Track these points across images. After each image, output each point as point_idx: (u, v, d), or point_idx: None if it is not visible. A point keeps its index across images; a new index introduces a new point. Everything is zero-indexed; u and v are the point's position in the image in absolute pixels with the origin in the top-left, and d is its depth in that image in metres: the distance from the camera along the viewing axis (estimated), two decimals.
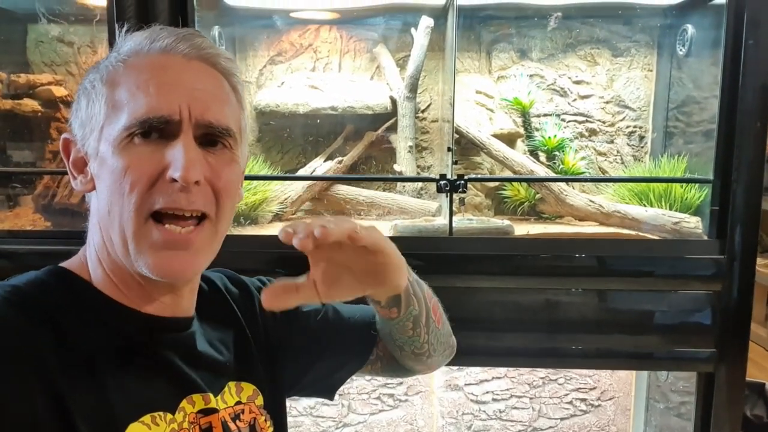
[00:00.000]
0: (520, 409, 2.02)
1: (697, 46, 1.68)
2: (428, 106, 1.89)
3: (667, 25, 1.82)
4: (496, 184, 1.84)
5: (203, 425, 0.81)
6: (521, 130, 1.84)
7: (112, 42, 1.40)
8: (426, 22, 1.73)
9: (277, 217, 1.70)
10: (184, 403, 0.79)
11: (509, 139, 1.81)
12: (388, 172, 1.87)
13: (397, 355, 1.03)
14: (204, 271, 0.88)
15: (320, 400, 1.97)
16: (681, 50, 1.74)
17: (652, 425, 1.95)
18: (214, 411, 0.83)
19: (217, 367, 0.87)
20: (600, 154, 1.89)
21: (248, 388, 0.91)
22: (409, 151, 1.80)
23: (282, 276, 0.78)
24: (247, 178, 1.57)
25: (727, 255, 1.44)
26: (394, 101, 1.81)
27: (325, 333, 1.03)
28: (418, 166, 1.85)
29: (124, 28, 0.80)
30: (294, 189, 1.73)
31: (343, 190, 1.78)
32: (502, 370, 2.01)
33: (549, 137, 1.79)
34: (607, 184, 1.82)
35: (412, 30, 1.78)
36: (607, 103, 1.87)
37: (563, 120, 1.86)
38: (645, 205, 1.67)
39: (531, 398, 2.02)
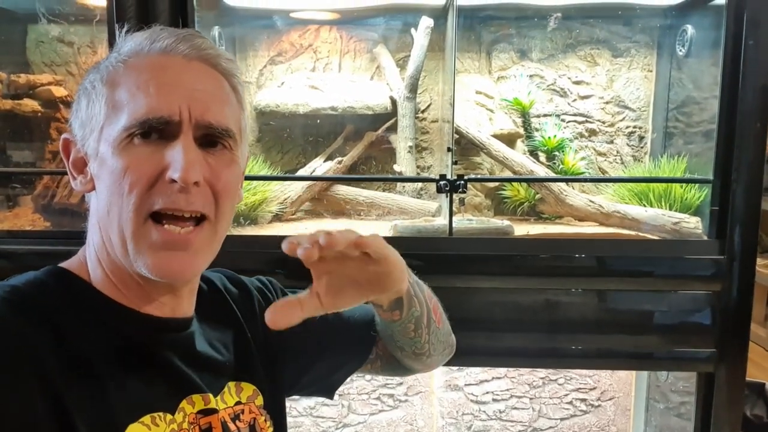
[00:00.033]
0: (520, 409, 2.02)
1: (697, 47, 1.68)
2: (428, 106, 1.89)
3: (666, 25, 1.82)
4: (496, 184, 1.84)
5: (203, 426, 0.81)
6: (521, 131, 1.84)
7: (112, 42, 1.40)
8: (426, 22, 1.73)
9: (277, 218, 1.70)
10: (183, 404, 0.79)
11: (509, 140, 1.81)
12: (388, 172, 1.87)
13: (398, 355, 1.03)
14: (203, 271, 0.88)
15: (320, 400, 1.98)
16: (681, 51, 1.74)
17: (652, 425, 1.95)
18: (214, 411, 0.83)
19: (217, 368, 0.87)
20: (600, 154, 1.89)
21: (248, 389, 0.91)
22: (409, 152, 1.80)
23: (282, 276, 0.78)
24: (247, 178, 1.57)
25: (727, 255, 1.44)
26: (394, 101, 1.81)
27: (324, 333, 1.03)
28: (417, 167, 1.85)
29: (125, 29, 0.80)
30: (294, 189, 1.73)
31: (343, 190, 1.78)
32: (502, 371, 2.01)
33: (549, 137, 1.79)
34: (607, 184, 1.82)
35: (412, 30, 1.78)
36: (606, 103, 1.87)
37: (563, 120, 1.86)
38: (645, 206, 1.67)
39: (531, 398, 2.02)
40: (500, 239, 1.54)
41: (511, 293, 1.49)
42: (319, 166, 1.79)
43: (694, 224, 1.56)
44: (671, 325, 1.48)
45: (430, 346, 1.01)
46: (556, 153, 1.79)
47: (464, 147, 1.80)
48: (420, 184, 1.81)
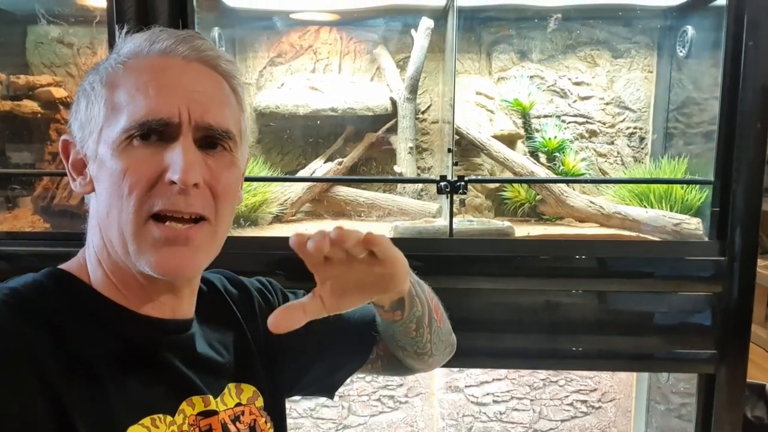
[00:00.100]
0: (520, 410, 2.02)
1: (698, 48, 1.68)
2: (428, 107, 1.89)
3: (667, 26, 1.82)
4: (497, 185, 1.84)
5: (203, 427, 0.81)
6: (521, 132, 1.84)
7: (111, 43, 1.40)
8: (426, 23, 1.73)
9: (277, 219, 1.70)
10: (183, 405, 0.79)
11: (509, 141, 1.81)
12: (389, 173, 1.87)
13: (399, 355, 1.03)
14: (203, 272, 0.88)
15: (320, 401, 1.97)
16: (681, 51, 1.74)
17: (653, 426, 1.95)
18: (214, 413, 0.83)
19: (217, 369, 0.87)
20: (600, 155, 1.89)
21: (248, 390, 0.91)
22: (410, 153, 1.80)
23: (282, 277, 0.78)
24: (247, 179, 1.57)
25: (728, 256, 1.44)
26: (394, 102, 1.81)
27: (325, 333, 1.03)
28: (418, 168, 1.85)
29: (124, 30, 0.80)
30: (294, 190, 1.73)
31: (344, 191, 1.78)
32: (502, 372, 2.01)
33: (549, 138, 1.79)
34: (608, 185, 1.82)
35: (413, 31, 1.78)
36: (607, 104, 1.87)
37: (563, 121, 1.86)
38: (645, 207, 1.67)
39: (531, 400, 2.02)
40: (501, 240, 1.54)
41: (512, 294, 1.49)
42: (319, 167, 1.79)
43: (694, 225, 1.55)
44: (672, 327, 1.48)
45: (432, 345, 1.00)
46: (557, 154, 1.79)
47: (465, 148, 1.80)
48: (420, 185, 1.81)
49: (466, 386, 2.02)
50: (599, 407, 2.03)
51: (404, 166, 1.80)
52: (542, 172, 1.74)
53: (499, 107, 1.85)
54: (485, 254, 1.48)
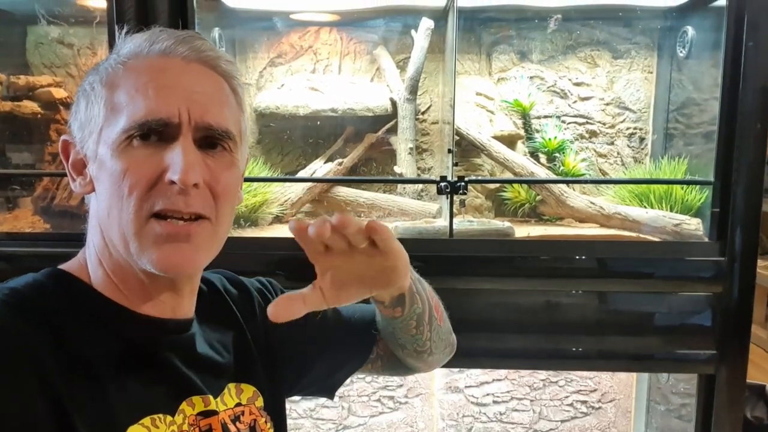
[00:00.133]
0: (520, 411, 2.02)
1: (698, 48, 1.68)
2: (428, 107, 1.89)
3: (667, 27, 1.82)
4: (497, 185, 1.84)
5: (203, 427, 0.81)
6: (521, 132, 1.84)
7: (111, 44, 1.40)
8: (426, 24, 1.73)
9: (277, 219, 1.70)
10: (183, 405, 0.79)
11: (509, 141, 1.81)
12: (389, 173, 1.87)
13: (399, 353, 1.03)
14: (203, 272, 0.88)
15: (320, 402, 1.97)
16: (681, 52, 1.74)
17: (653, 427, 1.95)
18: (214, 413, 0.83)
19: (217, 369, 0.87)
20: (600, 155, 1.89)
21: (248, 390, 0.91)
22: (410, 153, 1.80)
23: (282, 278, 0.78)
24: (247, 179, 1.57)
25: (728, 257, 1.44)
26: (394, 103, 1.81)
27: (324, 333, 1.03)
28: (418, 168, 1.85)
29: (124, 30, 0.80)
30: (294, 191, 1.73)
31: (344, 191, 1.78)
32: (502, 372, 2.01)
33: (549, 139, 1.79)
34: (608, 185, 1.82)
35: (413, 32, 1.78)
36: (607, 104, 1.87)
37: (563, 122, 1.86)
38: (645, 207, 1.67)
39: (531, 400, 2.02)
40: (501, 241, 1.54)
41: (512, 295, 1.49)
42: (319, 168, 1.79)
43: (694, 226, 1.55)
44: (672, 327, 1.48)
45: (432, 343, 1.00)
46: (557, 154, 1.79)
47: (465, 148, 1.80)
48: (420, 186, 1.81)
49: (466, 387, 2.02)
50: (599, 408, 2.03)
51: (404, 166, 1.80)
52: (542, 173, 1.74)
53: (499, 108, 1.85)
54: (485, 255, 1.48)
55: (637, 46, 1.85)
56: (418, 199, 1.80)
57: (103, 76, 0.76)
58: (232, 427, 0.85)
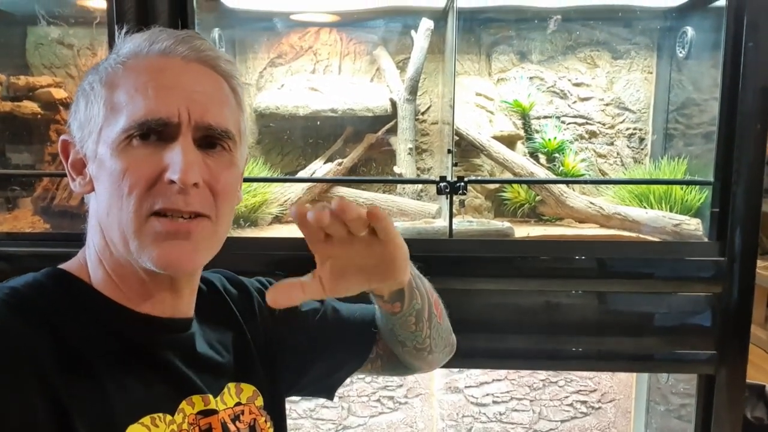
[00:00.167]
0: (520, 411, 2.02)
1: (697, 49, 1.68)
2: (428, 108, 1.89)
3: (666, 27, 1.82)
4: (496, 186, 1.84)
5: (203, 426, 0.81)
6: (521, 132, 1.84)
7: (111, 44, 1.40)
8: (426, 24, 1.73)
9: (277, 220, 1.70)
10: (183, 405, 0.79)
11: (509, 141, 1.81)
12: (388, 174, 1.87)
13: (399, 351, 1.03)
14: (203, 272, 0.88)
15: (320, 402, 1.97)
16: (681, 52, 1.74)
17: (653, 427, 1.95)
18: (214, 412, 0.83)
19: (217, 369, 0.87)
20: (600, 156, 1.89)
21: (248, 389, 0.91)
22: (409, 153, 1.80)
23: (282, 278, 0.78)
24: (247, 180, 1.57)
25: (728, 257, 1.44)
26: (394, 103, 1.81)
27: (324, 332, 1.03)
28: (418, 168, 1.85)
29: (124, 30, 0.80)
30: (294, 191, 1.73)
31: (343, 192, 1.78)
32: (502, 373, 2.01)
33: (549, 139, 1.79)
34: (608, 186, 1.82)
35: (412, 32, 1.78)
36: (607, 105, 1.87)
37: (563, 122, 1.86)
38: (645, 207, 1.67)
39: (531, 400, 2.02)
40: (500, 241, 1.54)
41: (512, 295, 1.49)
42: (319, 168, 1.79)
43: (694, 226, 1.55)
44: (671, 327, 1.48)
45: (431, 341, 1.00)
46: (557, 155, 1.79)
47: (464, 149, 1.80)
48: (420, 186, 1.81)
49: (465, 387, 2.02)
50: (599, 408, 2.03)
51: (404, 166, 1.80)
52: (542, 173, 1.74)
53: (498, 108, 1.85)
54: (485, 255, 1.48)
55: (637, 46, 1.85)
56: (417, 199, 1.80)
57: (103, 76, 0.76)
58: (231, 426, 0.85)
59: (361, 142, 1.84)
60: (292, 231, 1.64)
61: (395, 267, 0.80)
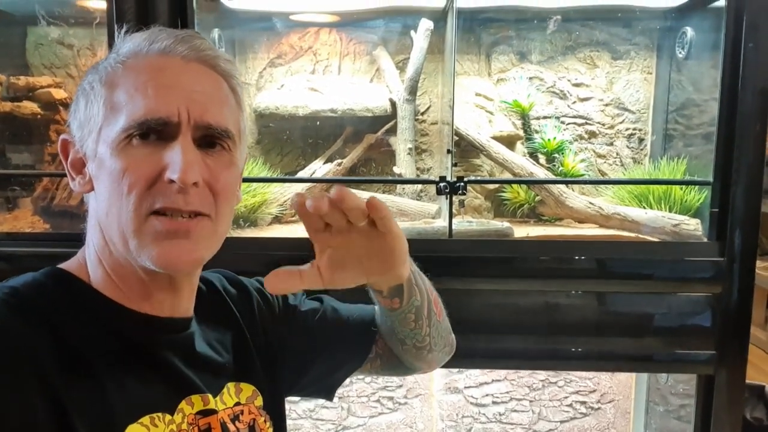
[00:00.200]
0: (519, 411, 2.02)
1: (697, 49, 1.68)
2: (428, 108, 1.89)
3: (666, 27, 1.82)
4: (496, 186, 1.84)
5: (202, 426, 0.81)
6: (521, 133, 1.84)
7: (111, 44, 1.40)
8: (425, 24, 1.73)
9: (277, 220, 1.70)
10: (182, 404, 0.79)
11: (509, 142, 1.81)
12: (388, 174, 1.87)
13: (398, 350, 1.03)
14: (202, 272, 0.88)
15: (320, 402, 1.97)
16: (680, 53, 1.74)
17: (652, 428, 1.95)
18: (213, 412, 0.83)
19: (216, 368, 0.87)
20: (599, 156, 1.89)
21: (247, 389, 0.91)
22: (409, 153, 1.80)
23: None
24: (247, 180, 1.57)
25: (727, 257, 1.44)
26: (393, 103, 1.81)
27: (323, 332, 1.03)
28: (417, 169, 1.85)
29: (123, 29, 0.80)
30: (293, 191, 1.73)
31: None
32: (501, 373, 2.01)
33: (548, 139, 1.79)
34: (607, 186, 1.82)
35: (412, 32, 1.78)
36: (606, 105, 1.87)
37: (563, 122, 1.86)
38: (645, 208, 1.67)
39: (531, 401, 2.02)
40: (500, 241, 1.54)
41: (511, 295, 1.49)
42: (318, 168, 1.79)
43: (693, 226, 1.56)
44: (671, 328, 1.48)
45: (431, 339, 1.00)
46: (556, 155, 1.79)
47: (464, 149, 1.80)
48: (420, 186, 1.81)
49: (465, 387, 2.02)
50: (598, 408, 2.03)
51: (403, 167, 1.80)
52: (541, 173, 1.74)
53: (498, 108, 1.86)
54: (484, 255, 1.48)
55: (637, 46, 1.85)
56: (417, 199, 1.80)
57: (103, 75, 0.76)
58: (231, 426, 0.85)
59: (361, 143, 1.84)
60: (291, 231, 1.64)
61: (394, 260, 0.81)
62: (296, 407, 2.00)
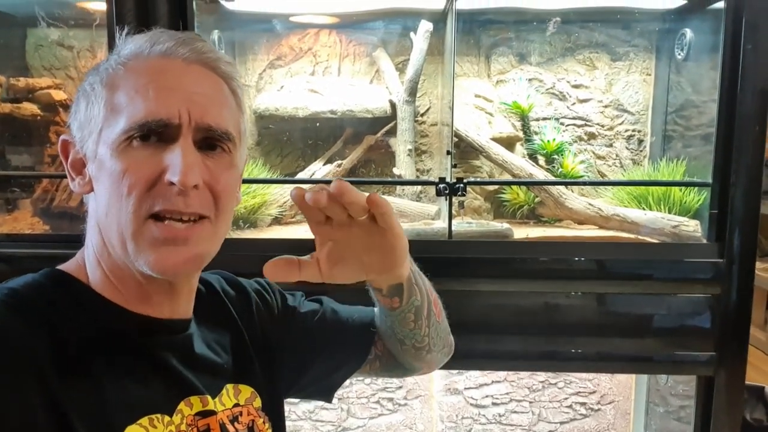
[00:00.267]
0: (519, 413, 2.02)
1: (696, 51, 1.68)
2: (427, 109, 1.89)
3: (665, 29, 1.83)
4: (495, 187, 1.85)
5: (201, 427, 0.81)
6: (520, 134, 1.84)
7: (111, 46, 1.40)
8: (425, 26, 1.74)
9: (276, 221, 1.70)
10: (181, 406, 0.79)
11: (508, 143, 1.81)
12: (388, 175, 1.87)
13: (397, 350, 1.03)
14: (202, 273, 0.88)
15: (319, 403, 1.97)
16: (680, 54, 1.74)
17: (652, 429, 1.95)
18: (212, 413, 0.83)
19: (215, 370, 0.87)
20: (599, 157, 1.89)
21: (246, 390, 0.91)
22: (409, 155, 1.80)
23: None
24: (247, 181, 1.57)
25: (726, 258, 1.44)
26: (393, 105, 1.81)
27: (323, 333, 1.03)
28: (417, 170, 1.86)
29: (125, 31, 0.80)
30: None
31: None
32: (501, 374, 2.01)
33: (548, 141, 1.79)
34: (606, 187, 1.82)
35: (412, 34, 1.78)
36: (605, 107, 1.87)
37: (562, 124, 1.87)
38: (644, 209, 1.67)
39: (531, 402, 2.02)
40: (499, 242, 1.54)
41: (511, 296, 1.49)
42: (318, 170, 1.79)
43: (693, 227, 1.56)
44: (671, 329, 1.48)
45: (430, 339, 1.00)
46: (556, 156, 1.79)
47: (463, 150, 1.80)
48: (419, 188, 1.81)
49: (465, 388, 2.02)
50: (598, 409, 2.03)
51: (403, 168, 1.80)
52: (541, 175, 1.74)
53: (497, 110, 1.86)
54: (484, 256, 1.48)
55: (636, 48, 1.85)
56: (416, 200, 1.80)
57: (104, 77, 0.76)
58: (230, 427, 0.85)
59: (361, 144, 1.84)
60: (291, 232, 1.65)
61: (394, 257, 0.81)
62: (296, 409, 1.99)
